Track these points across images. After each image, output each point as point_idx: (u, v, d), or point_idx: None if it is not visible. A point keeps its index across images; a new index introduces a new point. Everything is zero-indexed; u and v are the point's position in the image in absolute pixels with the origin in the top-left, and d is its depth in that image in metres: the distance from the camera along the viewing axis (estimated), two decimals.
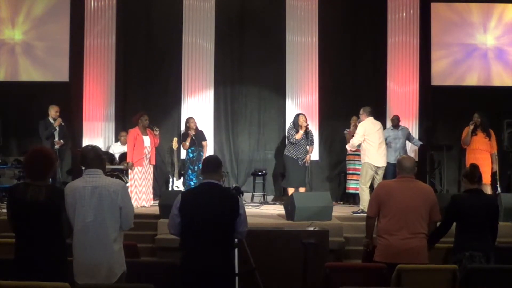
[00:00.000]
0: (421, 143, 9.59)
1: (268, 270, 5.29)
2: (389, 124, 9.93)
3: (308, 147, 8.95)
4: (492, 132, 8.64)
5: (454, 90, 10.37)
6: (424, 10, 10.38)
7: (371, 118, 8.19)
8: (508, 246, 5.68)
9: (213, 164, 4.00)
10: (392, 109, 10.21)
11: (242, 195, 8.82)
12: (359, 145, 8.21)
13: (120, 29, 10.30)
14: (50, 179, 4.54)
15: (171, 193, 8.17)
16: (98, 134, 10.13)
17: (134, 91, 10.40)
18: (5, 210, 3.84)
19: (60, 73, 10.24)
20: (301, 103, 10.29)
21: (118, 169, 9.10)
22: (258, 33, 10.35)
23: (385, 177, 8.82)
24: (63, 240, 3.80)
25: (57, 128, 8.77)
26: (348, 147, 8.46)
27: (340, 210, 8.38)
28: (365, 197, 7.93)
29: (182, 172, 9.30)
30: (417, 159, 9.41)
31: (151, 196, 8.75)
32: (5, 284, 3.45)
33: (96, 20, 10.17)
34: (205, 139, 9.26)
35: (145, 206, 8.49)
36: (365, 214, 4.83)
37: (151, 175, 8.76)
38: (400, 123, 9.41)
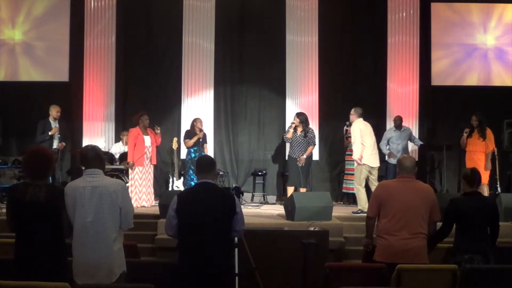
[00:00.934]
0: (421, 143, 9.59)
1: (268, 270, 5.29)
2: (389, 124, 9.95)
3: (309, 146, 8.73)
4: (490, 132, 8.62)
5: (454, 90, 10.37)
6: (424, 10, 10.38)
7: (361, 119, 8.22)
8: (508, 246, 5.68)
9: (207, 164, 4.01)
10: (392, 109, 10.22)
11: (242, 195, 8.91)
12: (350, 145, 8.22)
13: (120, 29, 10.30)
14: (50, 179, 4.54)
15: (171, 193, 8.15)
16: (98, 134, 10.13)
17: (134, 91, 10.40)
18: (5, 210, 3.84)
19: (60, 73, 10.24)
20: (301, 103, 10.29)
21: (118, 169, 9.11)
22: (258, 33, 10.35)
23: (386, 177, 8.86)
24: (63, 240, 3.80)
25: (54, 136, 8.68)
26: (357, 160, 8.06)
27: (340, 210, 8.38)
28: (362, 197, 7.95)
29: (182, 172, 9.30)
30: (417, 159, 9.41)
31: (152, 196, 8.75)
32: (5, 284, 3.45)
33: (96, 20, 10.17)
34: (206, 142, 9.26)
35: (145, 206, 8.49)
36: (365, 214, 4.83)
37: (152, 175, 8.76)
38: (402, 124, 9.43)
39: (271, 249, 5.60)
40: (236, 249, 4.82)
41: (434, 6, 10.45)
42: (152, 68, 10.35)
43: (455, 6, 10.50)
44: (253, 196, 9.93)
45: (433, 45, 10.42)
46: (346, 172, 9.54)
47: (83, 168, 3.93)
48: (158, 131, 8.78)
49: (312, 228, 6.26)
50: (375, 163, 8.14)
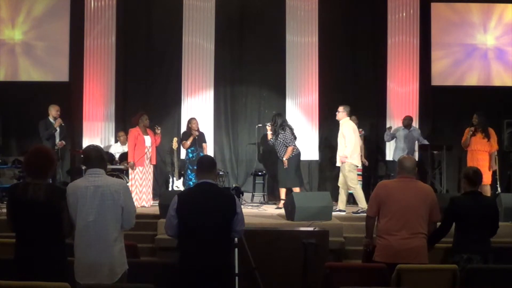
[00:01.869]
0: (427, 142, 9.53)
1: (268, 270, 5.29)
2: (389, 124, 9.96)
3: (287, 147, 8.53)
4: (492, 132, 8.62)
5: (454, 90, 10.38)
6: (424, 10, 10.38)
7: (348, 118, 8.21)
8: (508, 246, 5.68)
9: (208, 164, 4.01)
10: (392, 109, 10.23)
11: (242, 195, 8.89)
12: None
13: (120, 29, 10.30)
14: (50, 179, 4.54)
15: (171, 193, 8.16)
16: (98, 134, 10.13)
17: (134, 91, 10.40)
18: (5, 210, 3.83)
19: (60, 73, 10.24)
20: (301, 103, 10.29)
21: (118, 169, 9.11)
22: (258, 33, 10.35)
23: (385, 177, 8.88)
24: (63, 239, 3.80)
25: (58, 129, 8.76)
26: (342, 158, 7.99)
27: None
28: (360, 196, 7.97)
29: (182, 172, 9.30)
30: (417, 159, 9.42)
31: (151, 196, 8.76)
32: (5, 284, 3.45)
33: (96, 20, 10.17)
34: (205, 141, 9.25)
35: (145, 206, 8.49)
36: (365, 214, 4.83)
37: (152, 175, 8.76)
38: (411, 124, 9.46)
39: (271, 249, 5.60)
40: (236, 249, 4.82)
41: (434, 6, 10.45)
42: (152, 68, 10.35)
43: (455, 6, 10.50)
44: (253, 196, 9.92)
45: (433, 45, 10.42)
46: None
47: (85, 167, 3.93)
48: (159, 131, 8.78)
49: (312, 228, 6.26)
50: (359, 162, 8.29)
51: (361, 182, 9.56)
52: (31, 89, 10.08)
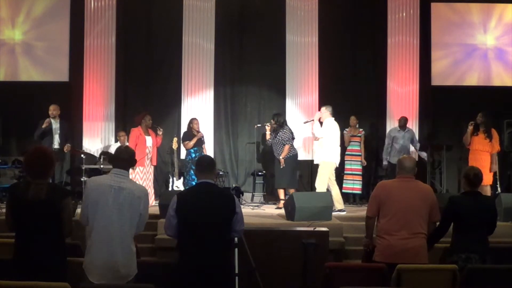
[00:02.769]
0: (419, 149, 9.57)
1: (268, 270, 5.29)
2: (389, 124, 9.96)
3: (284, 146, 8.61)
4: (495, 132, 8.61)
5: (454, 90, 10.38)
6: (424, 10, 10.38)
7: (332, 118, 8.25)
8: (508, 246, 5.67)
9: (207, 164, 4.00)
10: (392, 109, 10.22)
11: (242, 195, 8.90)
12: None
13: (120, 29, 10.30)
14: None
15: (171, 193, 8.15)
16: (98, 134, 10.13)
17: (134, 91, 10.40)
18: (5, 210, 3.83)
19: (60, 73, 10.24)
20: (301, 103, 10.29)
21: None
22: (258, 33, 10.35)
23: (385, 177, 8.89)
24: (63, 239, 3.79)
25: (58, 128, 8.71)
26: (316, 136, 8.18)
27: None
28: (338, 196, 8.05)
29: (182, 172, 9.30)
30: (417, 159, 9.41)
31: (153, 196, 8.75)
32: (5, 284, 3.44)
33: (96, 20, 10.16)
34: (204, 143, 9.25)
35: None
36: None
37: (152, 175, 8.76)
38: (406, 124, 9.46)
39: (271, 249, 5.60)
40: (236, 249, 4.82)
41: (434, 6, 10.46)
42: (152, 68, 10.35)
43: (455, 6, 10.50)
44: (253, 196, 9.93)
45: (433, 45, 10.42)
46: (346, 172, 9.56)
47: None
48: (160, 133, 8.80)
49: (312, 228, 6.25)
50: (338, 161, 8.30)
51: (360, 182, 9.59)
52: (31, 89, 10.07)
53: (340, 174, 10.02)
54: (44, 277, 3.51)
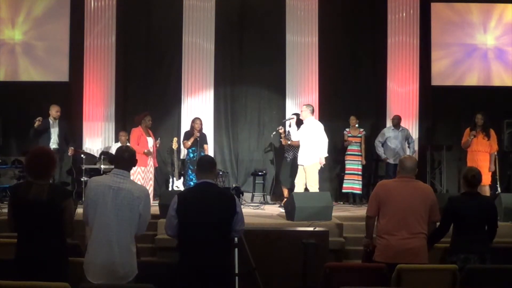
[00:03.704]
0: (414, 148, 9.61)
1: (268, 270, 5.29)
2: (389, 124, 9.96)
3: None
4: (493, 132, 8.62)
5: (454, 90, 10.38)
6: (424, 10, 10.38)
7: (313, 117, 8.31)
8: (508, 246, 5.68)
9: (207, 164, 4.01)
10: (392, 109, 10.22)
11: (242, 195, 8.90)
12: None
13: (120, 29, 10.29)
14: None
15: (171, 193, 8.15)
16: (98, 134, 10.12)
17: (134, 91, 10.40)
18: (5, 210, 3.83)
19: (60, 73, 10.23)
20: (301, 103, 10.22)
21: None
22: (258, 33, 10.35)
23: (385, 177, 8.90)
24: (64, 239, 3.80)
25: (55, 128, 8.70)
26: (321, 159, 8.17)
27: (340, 210, 8.38)
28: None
29: (182, 172, 9.30)
30: (417, 159, 9.41)
31: (152, 196, 8.75)
32: (5, 284, 3.45)
33: (96, 20, 10.16)
34: (206, 143, 9.26)
35: None
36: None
37: (152, 174, 8.76)
38: (401, 123, 9.45)
39: (271, 249, 5.61)
40: (236, 249, 4.82)
41: (434, 6, 10.46)
42: (152, 68, 10.34)
43: (455, 6, 10.50)
44: (253, 196, 9.93)
45: (433, 45, 10.42)
46: (346, 172, 9.60)
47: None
48: (158, 144, 8.87)
49: (312, 228, 6.26)
50: (325, 154, 8.31)
51: (360, 182, 9.60)
52: (31, 89, 10.07)
53: (340, 174, 10.07)
54: (45, 277, 3.52)
